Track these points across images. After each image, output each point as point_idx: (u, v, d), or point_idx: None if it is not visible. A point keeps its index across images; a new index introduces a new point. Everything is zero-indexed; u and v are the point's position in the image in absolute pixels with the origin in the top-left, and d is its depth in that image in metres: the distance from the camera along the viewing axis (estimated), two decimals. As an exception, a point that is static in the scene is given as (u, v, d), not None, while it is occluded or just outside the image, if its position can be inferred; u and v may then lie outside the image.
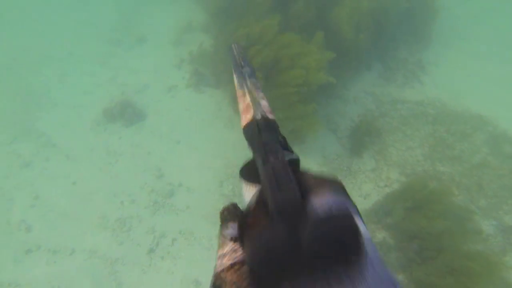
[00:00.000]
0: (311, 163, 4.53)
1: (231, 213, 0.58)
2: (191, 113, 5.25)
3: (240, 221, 0.62)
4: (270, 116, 0.97)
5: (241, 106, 1.25)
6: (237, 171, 4.33)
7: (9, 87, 5.80)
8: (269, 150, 0.75)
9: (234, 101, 5.14)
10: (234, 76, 1.56)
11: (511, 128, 5.14)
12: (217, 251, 0.54)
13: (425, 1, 6.93)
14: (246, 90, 1.22)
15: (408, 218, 3.59)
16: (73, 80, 5.99)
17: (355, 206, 0.65)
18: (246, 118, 1.00)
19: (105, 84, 5.85)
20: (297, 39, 4.24)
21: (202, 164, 4.51)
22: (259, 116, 0.95)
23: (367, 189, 4.30)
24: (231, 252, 0.52)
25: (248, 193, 0.83)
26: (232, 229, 0.55)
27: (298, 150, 4.50)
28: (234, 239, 0.53)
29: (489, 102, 5.80)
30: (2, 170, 4.50)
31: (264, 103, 1.08)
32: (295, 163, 0.81)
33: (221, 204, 3.39)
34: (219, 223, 0.57)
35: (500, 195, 4.23)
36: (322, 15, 4.98)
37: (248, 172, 0.86)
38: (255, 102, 1.07)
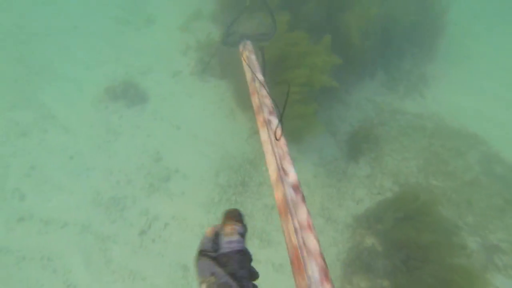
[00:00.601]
0: (307, 162, 4.59)
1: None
2: (194, 100, 5.25)
3: None
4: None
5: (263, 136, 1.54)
6: (234, 162, 4.37)
7: (11, 54, 5.70)
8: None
9: (237, 93, 5.16)
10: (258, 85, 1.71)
11: (504, 149, 5.27)
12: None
13: (435, 15, 7.00)
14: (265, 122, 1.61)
15: (398, 227, 3.68)
16: (77, 54, 5.88)
17: None
18: None
19: (108, 62, 5.78)
20: (305, 38, 4.23)
21: (200, 152, 4.53)
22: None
23: (360, 195, 4.38)
24: None
25: None
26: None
27: (295, 149, 4.57)
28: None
29: (485, 122, 5.94)
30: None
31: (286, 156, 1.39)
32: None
33: (216, 194, 3.42)
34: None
35: (487, 214, 4.35)
36: (331, 18, 5.00)
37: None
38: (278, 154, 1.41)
